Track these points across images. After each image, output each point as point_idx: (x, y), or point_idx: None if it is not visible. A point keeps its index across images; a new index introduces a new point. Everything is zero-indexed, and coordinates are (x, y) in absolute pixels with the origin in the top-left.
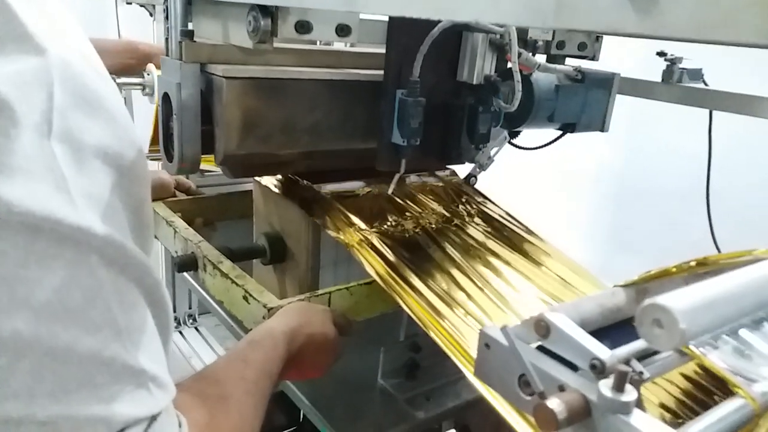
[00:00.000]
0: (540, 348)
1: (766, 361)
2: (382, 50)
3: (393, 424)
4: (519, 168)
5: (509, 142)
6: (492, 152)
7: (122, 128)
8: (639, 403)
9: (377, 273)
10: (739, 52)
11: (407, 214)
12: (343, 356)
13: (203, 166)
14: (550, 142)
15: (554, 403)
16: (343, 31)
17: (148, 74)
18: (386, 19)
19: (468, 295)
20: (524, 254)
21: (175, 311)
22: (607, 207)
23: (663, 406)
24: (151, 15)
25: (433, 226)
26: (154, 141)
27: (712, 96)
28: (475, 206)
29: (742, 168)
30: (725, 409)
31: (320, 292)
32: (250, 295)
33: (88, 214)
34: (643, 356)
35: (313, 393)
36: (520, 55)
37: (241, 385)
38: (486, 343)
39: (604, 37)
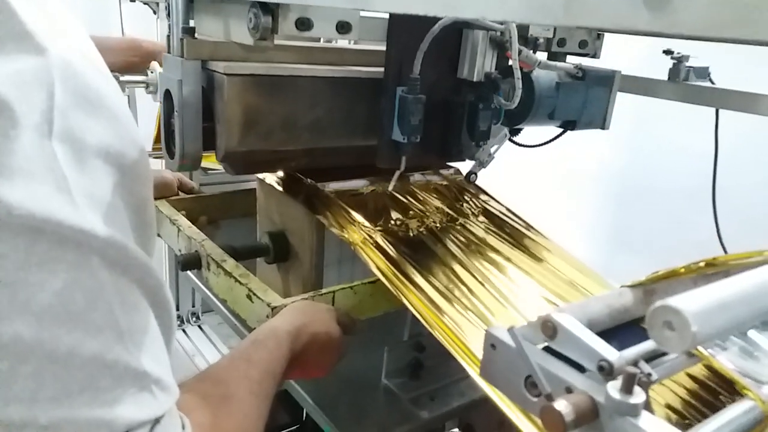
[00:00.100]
0: (547, 349)
1: None
2: (383, 47)
3: (397, 424)
4: (520, 166)
5: (510, 140)
6: (492, 149)
7: (124, 127)
8: (647, 405)
9: (381, 272)
10: (745, 50)
11: (411, 212)
12: (346, 355)
13: (206, 164)
14: (551, 140)
15: (561, 405)
16: (343, 28)
17: (152, 72)
18: (387, 16)
19: (471, 292)
20: (525, 251)
21: (178, 309)
22: (608, 206)
23: (669, 407)
24: (154, 13)
25: (437, 225)
26: (157, 139)
27: (719, 94)
28: (479, 204)
29: (748, 167)
30: (734, 412)
31: (324, 290)
32: (254, 294)
33: (89, 215)
34: (651, 357)
35: (316, 392)
36: (520, 52)
37: (245, 385)
38: (492, 343)
39: (608, 35)
